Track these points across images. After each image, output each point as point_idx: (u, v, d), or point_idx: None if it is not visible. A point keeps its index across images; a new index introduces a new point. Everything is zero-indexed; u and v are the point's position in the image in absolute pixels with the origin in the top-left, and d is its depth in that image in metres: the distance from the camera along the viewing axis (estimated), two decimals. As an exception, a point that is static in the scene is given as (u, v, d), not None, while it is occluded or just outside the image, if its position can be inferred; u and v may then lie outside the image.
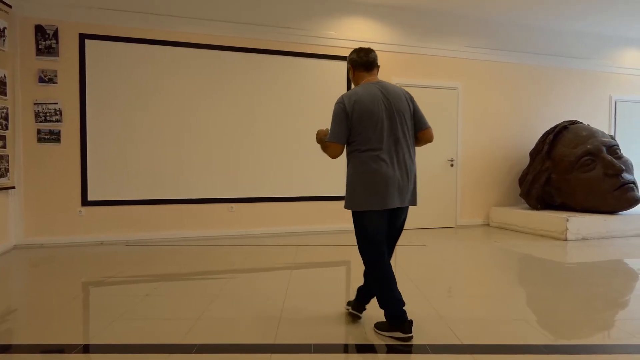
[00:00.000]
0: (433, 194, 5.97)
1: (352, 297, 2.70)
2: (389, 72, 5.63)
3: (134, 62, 4.87)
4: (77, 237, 4.73)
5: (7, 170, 4.31)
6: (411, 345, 2.10)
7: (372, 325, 2.31)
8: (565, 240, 5.03)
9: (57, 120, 4.64)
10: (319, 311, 2.59)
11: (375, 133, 2.14)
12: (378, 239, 2.19)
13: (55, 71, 4.62)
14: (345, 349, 2.10)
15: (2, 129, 4.22)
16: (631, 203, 5.22)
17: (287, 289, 3.04)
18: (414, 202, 2.28)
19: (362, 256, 2.26)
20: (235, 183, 5.25)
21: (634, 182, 5.27)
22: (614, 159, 5.23)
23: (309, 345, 2.11)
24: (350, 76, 2.39)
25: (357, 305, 2.44)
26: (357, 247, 2.31)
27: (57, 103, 4.63)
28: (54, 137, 4.64)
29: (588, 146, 5.35)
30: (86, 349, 2.08)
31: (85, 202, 4.75)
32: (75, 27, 4.68)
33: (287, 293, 2.95)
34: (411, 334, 2.13)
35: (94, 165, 4.77)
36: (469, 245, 4.89)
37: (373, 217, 2.17)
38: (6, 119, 4.29)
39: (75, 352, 2.03)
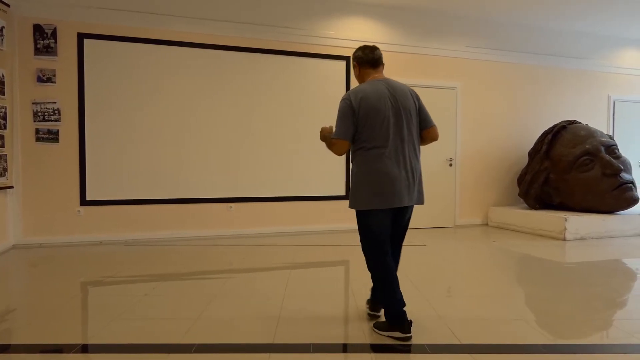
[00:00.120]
0: (432, 193, 5.97)
1: (352, 297, 2.70)
2: (388, 72, 5.60)
3: (132, 61, 4.87)
4: (75, 236, 4.73)
5: (5, 169, 4.30)
6: (410, 345, 2.10)
7: (371, 325, 2.31)
8: (564, 240, 5.04)
9: (56, 120, 4.63)
10: (318, 311, 2.59)
11: (381, 130, 2.13)
12: (382, 238, 2.18)
13: (54, 70, 4.61)
14: (344, 348, 2.10)
15: (1, 128, 4.21)
16: (629, 203, 5.23)
17: (286, 289, 3.04)
18: (420, 201, 2.26)
19: (365, 255, 2.25)
20: (234, 183, 5.25)
21: (632, 182, 5.28)
22: (612, 159, 5.24)
23: (308, 345, 2.11)
24: (356, 74, 2.37)
25: (373, 305, 2.45)
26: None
27: (55, 102, 4.62)
28: (53, 136, 4.63)
29: (587, 146, 5.36)
30: (85, 348, 2.07)
31: (83, 201, 4.74)
32: (73, 27, 4.67)
33: (286, 293, 2.95)
34: (410, 334, 2.13)
35: (93, 165, 4.77)
36: (467, 245, 4.90)
37: (378, 216, 2.16)
38: (4, 118, 4.28)
39: (73, 352, 2.03)
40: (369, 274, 2.38)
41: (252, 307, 2.66)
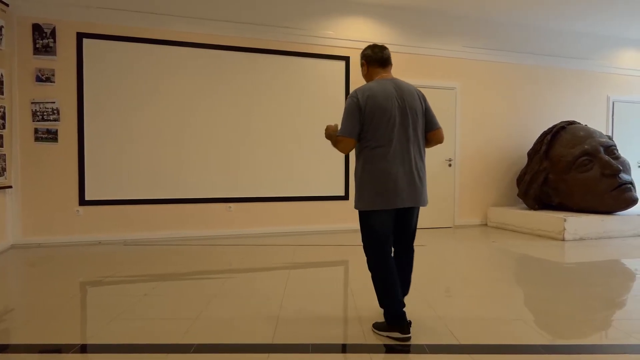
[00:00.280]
0: (431, 194, 5.96)
1: (352, 297, 2.70)
2: (387, 72, 5.62)
3: (132, 61, 4.86)
4: (74, 236, 4.72)
5: (4, 169, 4.29)
6: (409, 345, 2.10)
7: (371, 325, 2.31)
8: (563, 240, 5.04)
9: (55, 120, 4.62)
10: (317, 311, 2.59)
11: (386, 130, 2.12)
12: (384, 238, 2.18)
13: (53, 70, 4.60)
14: (344, 348, 2.10)
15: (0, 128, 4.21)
16: (628, 203, 5.23)
17: (285, 289, 3.04)
18: (424, 203, 2.24)
19: (366, 254, 2.25)
20: (233, 183, 5.24)
21: (631, 183, 5.28)
22: (611, 160, 5.25)
23: (307, 345, 2.11)
24: (363, 72, 2.35)
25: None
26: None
27: (54, 102, 4.61)
28: (52, 136, 4.62)
29: (586, 146, 5.37)
30: (84, 348, 2.07)
31: (82, 201, 4.74)
32: (73, 26, 4.67)
33: (285, 293, 2.95)
34: (409, 335, 2.13)
35: (92, 165, 4.76)
36: (467, 245, 4.90)
37: (380, 217, 2.15)
38: (3, 118, 4.27)
39: (72, 352, 2.02)
40: (368, 273, 2.38)
41: (251, 307, 2.66)
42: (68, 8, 4.64)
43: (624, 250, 4.54)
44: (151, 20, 4.90)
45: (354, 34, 5.62)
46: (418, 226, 2.44)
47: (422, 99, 2.27)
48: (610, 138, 5.66)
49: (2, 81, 4.25)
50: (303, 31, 5.43)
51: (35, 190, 4.60)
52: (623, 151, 6.45)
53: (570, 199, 5.49)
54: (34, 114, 4.57)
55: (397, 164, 2.12)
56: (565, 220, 5.06)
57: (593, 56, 6.89)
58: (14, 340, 2.18)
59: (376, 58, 2.28)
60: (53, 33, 4.59)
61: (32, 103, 4.56)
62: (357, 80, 5.53)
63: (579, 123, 5.99)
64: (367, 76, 2.34)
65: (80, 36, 4.68)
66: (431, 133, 2.28)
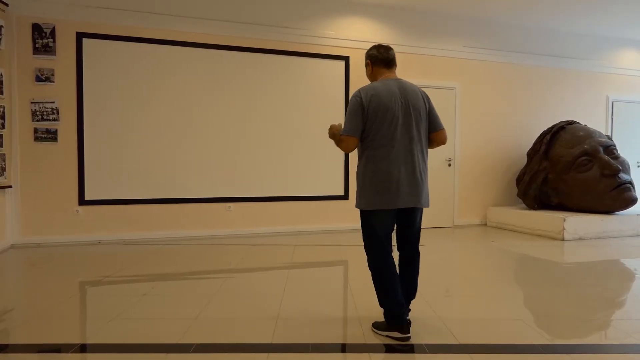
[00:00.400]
0: (431, 193, 5.94)
1: (351, 297, 2.70)
2: (387, 72, 5.62)
3: (131, 61, 4.86)
4: (74, 236, 4.72)
5: (3, 169, 4.29)
6: (409, 345, 2.10)
7: (370, 325, 2.31)
8: (562, 240, 5.04)
9: (54, 119, 4.62)
10: (317, 311, 2.59)
11: (389, 129, 2.11)
12: (385, 238, 2.18)
13: (53, 70, 4.60)
14: (343, 348, 2.10)
15: (-1, 127, 4.21)
16: (628, 203, 5.24)
17: (284, 289, 3.04)
18: (426, 204, 2.23)
19: (367, 254, 2.24)
20: (233, 182, 5.24)
21: (630, 183, 5.29)
22: (610, 159, 5.25)
23: (307, 345, 2.11)
24: (368, 72, 2.34)
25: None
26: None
27: (54, 102, 4.61)
28: (51, 136, 4.62)
29: (585, 146, 5.37)
30: (83, 348, 2.07)
31: (82, 201, 4.74)
32: (72, 26, 4.66)
33: (284, 293, 2.95)
34: (409, 335, 2.13)
35: (91, 164, 4.76)
36: (466, 245, 4.90)
37: (381, 216, 2.15)
38: (3, 117, 4.27)
39: (72, 352, 2.02)
40: (368, 273, 2.38)
41: (251, 307, 2.66)
42: (68, 8, 4.63)
43: (623, 250, 4.55)
44: (151, 20, 4.89)
45: (354, 34, 5.63)
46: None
47: (426, 99, 2.27)
48: (610, 138, 5.67)
49: (2, 81, 4.25)
50: (303, 31, 5.43)
51: (35, 190, 4.60)
52: (622, 151, 6.45)
53: (570, 198, 5.49)
54: (34, 113, 4.56)
55: (400, 164, 2.12)
56: (564, 220, 5.06)
57: (593, 56, 6.89)
58: (14, 340, 2.18)
59: (381, 58, 2.28)
60: (53, 33, 4.59)
61: (31, 103, 4.55)
62: (357, 80, 5.53)
63: (578, 123, 5.99)
64: (372, 76, 2.33)
65: (80, 36, 4.68)
66: (434, 134, 2.27)
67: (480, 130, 6.34)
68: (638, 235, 5.38)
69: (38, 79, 4.56)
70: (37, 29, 4.55)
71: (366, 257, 2.26)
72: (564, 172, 5.45)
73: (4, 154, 4.30)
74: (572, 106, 6.85)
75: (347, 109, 2.19)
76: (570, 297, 2.91)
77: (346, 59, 5.60)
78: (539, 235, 5.36)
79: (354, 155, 5.50)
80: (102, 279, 3.28)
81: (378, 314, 2.39)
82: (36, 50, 4.55)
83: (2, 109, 4.25)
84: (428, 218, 5.96)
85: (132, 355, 1.99)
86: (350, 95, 5.46)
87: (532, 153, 5.94)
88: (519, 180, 6.08)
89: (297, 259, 4.00)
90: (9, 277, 3.44)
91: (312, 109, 5.51)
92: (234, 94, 5.22)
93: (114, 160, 4.83)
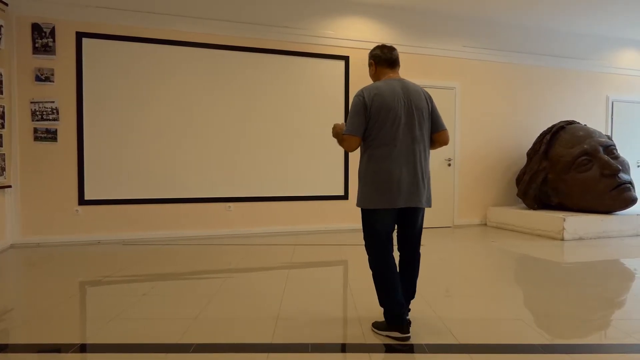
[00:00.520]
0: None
1: (351, 296, 2.70)
2: (387, 72, 5.62)
3: (131, 60, 4.86)
4: (74, 236, 4.72)
5: (3, 169, 4.29)
6: (409, 345, 2.10)
7: (370, 325, 2.31)
8: (562, 240, 5.04)
9: (54, 119, 4.62)
10: (317, 311, 2.59)
11: (392, 129, 2.11)
12: (385, 237, 2.18)
13: (52, 70, 4.60)
14: (343, 348, 2.10)
15: (-1, 127, 4.21)
16: (627, 203, 5.24)
17: (284, 289, 3.04)
18: (428, 204, 2.23)
19: (368, 253, 2.24)
20: (233, 182, 5.24)
21: (630, 182, 5.29)
22: (610, 159, 5.25)
23: (307, 344, 2.11)
24: (371, 72, 2.34)
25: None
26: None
27: (54, 102, 4.61)
28: (51, 135, 4.62)
29: (585, 146, 5.37)
30: (83, 348, 2.07)
31: (82, 201, 4.73)
32: (72, 26, 4.66)
33: (284, 292, 2.95)
34: (409, 335, 2.13)
35: (91, 164, 4.76)
36: (466, 245, 4.90)
37: (382, 216, 2.15)
38: (2, 117, 4.27)
39: (72, 352, 2.02)
40: (368, 273, 2.37)
41: (250, 306, 2.66)
42: (67, 7, 4.63)
43: (623, 250, 4.55)
44: (151, 20, 4.89)
45: (354, 34, 5.62)
46: (418, 226, 2.41)
47: (429, 99, 2.26)
48: (610, 138, 5.67)
49: (2, 81, 4.25)
50: (303, 31, 5.43)
51: (35, 189, 4.60)
52: (622, 151, 6.45)
53: (570, 198, 5.49)
54: (34, 113, 4.56)
55: (401, 164, 2.12)
56: (564, 220, 5.06)
57: (593, 56, 6.89)
58: (13, 340, 2.18)
59: (385, 58, 2.28)
60: (52, 32, 4.58)
61: (31, 102, 4.55)
62: (357, 80, 5.53)
63: (578, 123, 5.99)
64: (375, 76, 2.33)
65: (80, 36, 4.68)
66: (436, 134, 2.27)
67: (480, 130, 6.34)
68: (638, 235, 5.39)
69: (38, 78, 4.56)
70: (36, 28, 4.55)
71: (367, 257, 2.26)
72: (563, 172, 5.45)
73: (4, 154, 4.30)
74: (572, 106, 6.85)
75: (350, 108, 2.20)
76: (570, 297, 2.91)
77: (346, 59, 5.60)
78: (539, 235, 5.36)
79: (353, 155, 5.50)
80: (102, 279, 3.28)
81: (378, 314, 2.39)
82: (36, 50, 4.54)
83: (1, 109, 4.25)
84: (428, 218, 5.91)
85: (132, 355, 1.99)
86: (351, 95, 5.51)
87: (532, 153, 5.94)
88: (518, 180, 6.09)
89: (297, 259, 4.00)
90: (9, 277, 3.44)
91: (312, 109, 5.51)
92: (234, 94, 5.22)
93: (114, 160, 4.83)
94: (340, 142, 2.21)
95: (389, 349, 2.07)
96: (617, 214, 5.41)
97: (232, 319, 2.45)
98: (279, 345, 2.10)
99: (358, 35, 5.63)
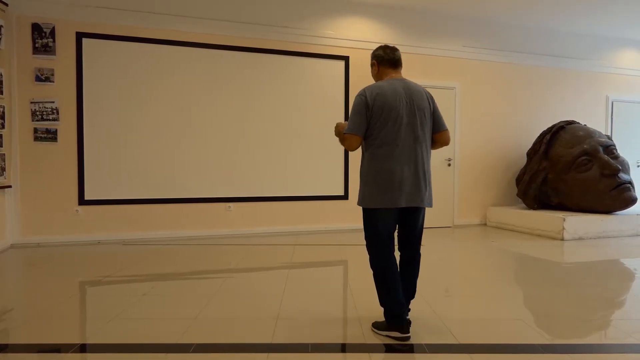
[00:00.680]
0: (431, 193, 5.96)
1: (351, 296, 2.70)
2: (387, 72, 5.62)
3: (131, 60, 4.86)
4: (74, 236, 4.72)
5: (3, 169, 4.29)
6: (409, 345, 2.10)
7: (370, 325, 2.31)
8: (562, 240, 5.04)
9: (54, 119, 4.62)
10: (317, 311, 2.59)
11: (393, 128, 2.11)
12: (386, 236, 2.18)
13: (52, 70, 4.60)
14: (343, 348, 2.10)
15: (-1, 127, 4.21)
16: (627, 203, 5.24)
17: (284, 289, 3.04)
18: (429, 204, 2.23)
19: (368, 252, 2.25)
20: (233, 182, 5.24)
21: (630, 182, 5.29)
22: (610, 159, 5.25)
23: (307, 344, 2.11)
24: (374, 72, 2.35)
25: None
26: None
27: (54, 102, 4.61)
28: (51, 135, 4.62)
29: (585, 146, 5.37)
30: (83, 348, 2.07)
31: (82, 201, 4.73)
32: (72, 26, 4.66)
33: (284, 292, 2.95)
34: (409, 334, 2.13)
35: (91, 164, 4.76)
36: (466, 245, 4.90)
37: (383, 215, 2.15)
38: (2, 117, 4.27)
39: (72, 352, 2.02)
40: (368, 273, 2.38)
41: (250, 306, 2.66)
42: (67, 7, 4.63)
43: (622, 250, 4.55)
44: (151, 20, 4.89)
45: (354, 34, 5.63)
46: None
47: (431, 100, 2.27)
48: (610, 138, 5.67)
49: (2, 81, 4.25)
50: (303, 31, 5.43)
51: (35, 189, 4.60)
52: (622, 151, 6.45)
53: (570, 198, 5.49)
54: (34, 113, 4.56)
55: (403, 163, 2.12)
56: (564, 220, 5.06)
57: (592, 56, 6.89)
58: (13, 340, 2.18)
59: (387, 59, 2.28)
60: (52, 32, 4.58)
61: (31, 103, 4.55)
62: (357, 80, 5.53)
63: (578, 123, 5.99)
64: (377, 76, 2.33)
65: (80, 36, 4.68)
66: (438, 134, 2.27)
67: (480, 130, 6.34)
68: (638, 235, 5.39)
69: (38, 78, 4.56)
70: (36, 28, 4.55)
71: (367, 257, 2.26)
72: (563, 172, 5.45)
73: (4, 154, 4.30)
74: (572, 106, 6.85)
75: (352, 107, 2.20)
76: (570, 297, 2.91)
77: (346, 59, 5.60)
78: (539, 235, 5.36)
79: (354, 155, 5.50)
80: (102, 279, 3.28)
81: (378, 313, 2.39)
82: (36, 50, 4.55)
83: (2, 109, 4.25)
84: (428, 218, 5.90)
85: (132, 355, 1.99)
86: (351, 95, 5.51)
87: (532, 153, 5.94)
88: (518, 180, 6.09)
89: (297, 259, 4.00)
90: (9, 277, 3.44)
91: (312, 109, 5.51)
92: (233, 94, 5.22)
93: (114, 160, 4.83)
94: (342, 141, 2.23)
95: (389, 349, 2.07)
96: (617, 214, 5.41)
97: (232, 319, 2.45)
98: (279, 345, 2.10)
99: (358, 35, 5.63)
